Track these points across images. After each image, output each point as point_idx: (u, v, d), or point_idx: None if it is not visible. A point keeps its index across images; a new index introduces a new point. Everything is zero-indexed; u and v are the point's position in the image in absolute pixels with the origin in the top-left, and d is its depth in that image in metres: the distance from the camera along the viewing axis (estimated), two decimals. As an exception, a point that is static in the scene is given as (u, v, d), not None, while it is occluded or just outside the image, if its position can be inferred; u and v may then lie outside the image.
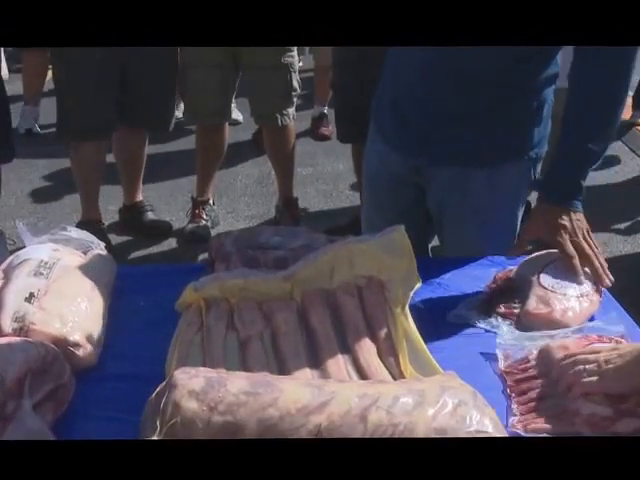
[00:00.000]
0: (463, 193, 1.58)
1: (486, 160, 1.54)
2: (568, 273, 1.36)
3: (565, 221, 1.39)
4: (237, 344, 1.16)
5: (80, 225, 3.28)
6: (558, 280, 1.35)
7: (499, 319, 1.29)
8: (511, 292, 1.36)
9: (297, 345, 1.15)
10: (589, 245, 1.38)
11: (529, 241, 1.50)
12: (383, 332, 1.18)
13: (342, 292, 1.25)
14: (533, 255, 1.45)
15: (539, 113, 1.54)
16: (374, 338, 1.18)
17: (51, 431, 0.98)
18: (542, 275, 1.36)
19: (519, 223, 1.64)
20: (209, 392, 0.91)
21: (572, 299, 1.31)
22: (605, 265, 1.38)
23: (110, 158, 3.59)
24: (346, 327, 1.19)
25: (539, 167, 1.61)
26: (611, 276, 1.37)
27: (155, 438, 0.88)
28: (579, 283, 1.34)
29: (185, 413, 0.89)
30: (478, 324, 1.29)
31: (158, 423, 0.89)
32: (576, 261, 1.36)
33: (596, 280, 1.36)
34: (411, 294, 1.23)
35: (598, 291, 1.35)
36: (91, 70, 2.88)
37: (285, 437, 0.87)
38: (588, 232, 1.40)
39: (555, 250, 1.42)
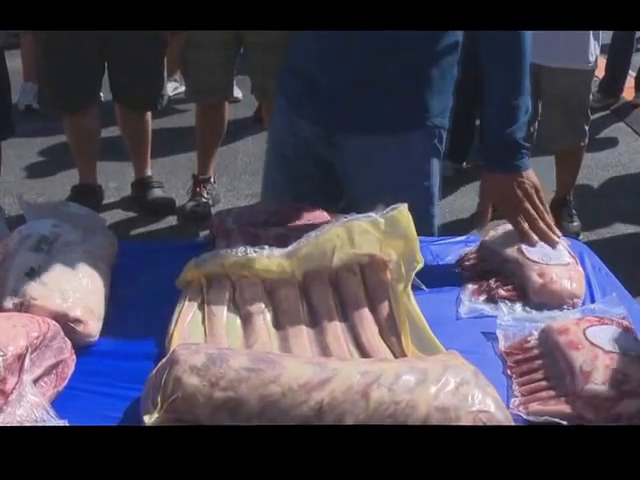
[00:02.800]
0: (371, 162, 1.58)
1: (392, 128, 1.55)
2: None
3: (510, 192, 1.40)
4: (239, 321, 1.16)
5: (75, 189, 3.34)
6: (542, 251, 1.34)
7: (506, 302, 1.28)
8: (498, 273, 1.35)
9: (299, 322, 1.15)
10: (535, 206, 1.39)
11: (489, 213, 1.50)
12: (385, 311, 1.18)
13: (344, 270, 1.24)
14: (498, 231, 1.44)
15: (439, 82, 1.55)
16: (376, 317, 1.17)
17: (51, 406, 0.98)
18: (524, 249, 1.35)
19: (436, 194, 1.64)
20: (210, 368, 0.91)
21: (564, 268, 1.31)
22: (550, 224, 1.39)
23: (108, 133, 3.59)
24: (348, 305, 1.19)
25: (444, 138, 1.61)
26: (558, 232, 1.38)
27: (156, 415, 0.87)
28: (556, 251, 1.35)
29: (186, 388, 0.89)
30: (491, 312, 1.26)
31: (159, 399, 0.89)
32: (529, 233, 1.36)
33: (544, 242, 1.36)
34: (413, 273, 1.22)
35: (573, 256, 1.36)
36: (68, 44, 2.88)
37: (287, 413, 0.87)
38: (537, 190, 1.41)
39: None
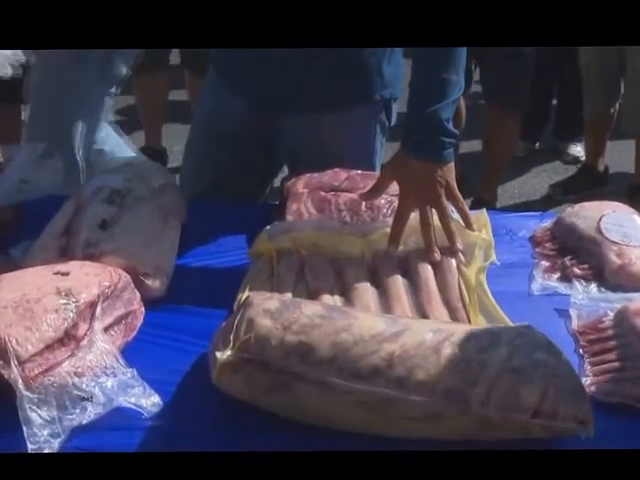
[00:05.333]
0: (315, 140, 1.51)
1: (335, 104, 1.48)
2: (627, 223, 1.31)
3: (426, 186, 1.23)
4: (307, 294, 1.14)
5: (140, 151, 3.39)
6: (622, 231, 1.29)
7: (581, 281, 1.24)
8: (573, 251, 1.31)
9: (367, 300, 1.13)
10: (439, 205, 1.23)
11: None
12: (455, 294, 1.15)
13: (415, 256, 1.22)
14: (575, 208, 1.39)
15: (386, 50, 1.45)
16: (445, 299, 1.15)
17: (120, 354, 0.99)
18: (603, 228, 1.30)
19: (378, 167, 1.55)
20: (284, 312, 0.91)
21: None
22: (452, 232, 1.22)
23: (176, 97, 3.61)
24: (416, 286, 1.17)
25: (394, 109, 1.53)
26: (436, 254, 1.21)
27: (228, 352, 0.88)
28: (637, 232, 1.29)
29: (259, 330, 0.89)
30: (564, 290, 1.23)
31: (231, 338, 0.89)
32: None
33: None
34: (487, 264, 1.22)
35: None
36: None
37: (357, 362, 0.87)
38: (449, 189, 1.24)
39: (605, 202, 1.38)
